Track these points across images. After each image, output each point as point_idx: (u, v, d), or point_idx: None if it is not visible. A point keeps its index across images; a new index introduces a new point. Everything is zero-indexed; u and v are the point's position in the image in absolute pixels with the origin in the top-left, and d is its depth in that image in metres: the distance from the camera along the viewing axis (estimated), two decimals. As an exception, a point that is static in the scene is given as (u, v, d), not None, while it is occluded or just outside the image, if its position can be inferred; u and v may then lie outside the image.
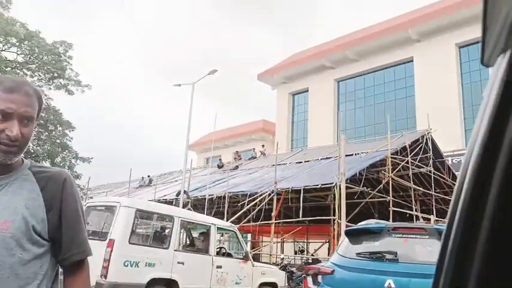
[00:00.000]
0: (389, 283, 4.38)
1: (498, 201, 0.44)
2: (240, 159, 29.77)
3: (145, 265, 7.41)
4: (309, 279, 5.06)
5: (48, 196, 1.47)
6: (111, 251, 7.06)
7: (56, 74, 20.51)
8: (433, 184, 18.16)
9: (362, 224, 5.65)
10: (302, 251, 24.40)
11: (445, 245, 0.51)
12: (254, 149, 31.66)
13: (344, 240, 5.36)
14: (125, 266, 7.15)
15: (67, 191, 1.52)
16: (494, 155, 0.45)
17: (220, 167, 27.58)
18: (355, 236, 5.30)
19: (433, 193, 18.14)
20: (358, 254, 4.95)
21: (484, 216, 0.45)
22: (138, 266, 7.30)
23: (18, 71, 19.94)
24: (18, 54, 19.88)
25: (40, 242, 1.44)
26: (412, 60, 30.67)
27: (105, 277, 6.93)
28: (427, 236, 4.74)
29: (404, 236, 4.96)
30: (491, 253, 0.45)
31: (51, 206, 1.47)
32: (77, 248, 1.52)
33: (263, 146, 30.94)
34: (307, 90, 37.00)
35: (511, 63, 0.45)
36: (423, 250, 4.83)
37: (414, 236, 4.90)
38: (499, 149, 0.45)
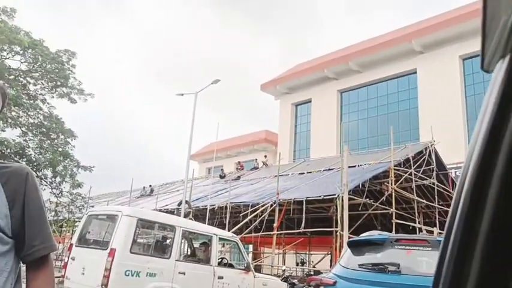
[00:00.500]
0: (391, 295, 4.35)
1: (497, 203, 0.44)
2: (242, 169, 29.77)
3: (147, 275, 7.37)
4: (311, 290, 5.03)
5: (11, 192, 1.43)
6: (112, 260, 7.04)
7: (59, 83, 20.61)
8: (436, 196, 18.11)
9: (365, 235, 5.62)
10: (303, 263, 24.27)
11: (443, 251, 0.51)
12: (256, 159, 31.70)
13: (346, 251, 5.33)
14: (125, 275, 7.11)
15: (29, 186, 1.48)
16: (493, 157, 0.46)
17: (222, 177, 27.59)
18: (357, 247, 5.27)
19: (436, 205, 18.07)
20: (360, 265, 4.92)
21: (483, 217, 0.45)
22: (139, 276, 7.26)
23: (21, 79, 20.04)
24: (21, 62, 20.00)
25: (4, 240, 1.41)
26: (415, 72, 30.73)
27: (106, 286, 6.90)
28: (430, 248, 4.70)
29: (407, 247, 4.93)
30: (491, 256, 0.45)
31: (13, 201, 1.43)
32: (41, 242, 1.48)
33: (265, 156, 30.96)
34: (310, 101, 37.08)
35: (510, 68, 0.46)
36: (426, 262, 4.79)
37: (417, 248, 4.87)
38: (498, 151, 0.46)
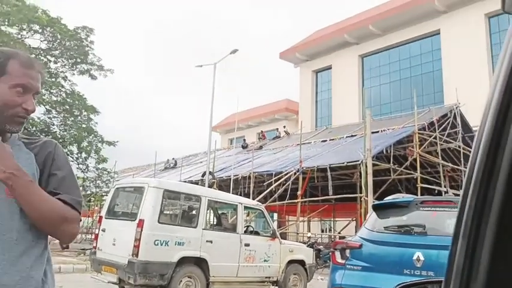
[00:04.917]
0: (418, 256, 4.35)
1: None
2: (264, 139, 29.80)
3: (175, 244, 7.53)
4: (337, 254, 5.06)
5: (41, 161, 1.52)
6: (141, 230, 7.20)
7: (78, 60, 20.72)
8: (462, 159, 17.82)
9: (389, 198, 5.59)
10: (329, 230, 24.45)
11: (461, 211, 0.50)
12: (277, 128, 31.68)
13: (371, 214, 5.32)
14: (155, 244, 7.29)
15: (58, 154, 1.57)
16: None
17: (244, 147, 27.67)
18: (382, 210, 5.25)
19: (463, 169, 17.81)
20: (386, 228, 4.92)
21: (501, 165, 0.43)
22: (168, 245, 7.43)
23: (42, 58, 20.22)
24: (41, 41, 20.11)
25: None
26: (439, 33, 29.80)
27: (137, 256, 7.09)
28: (456, 209, 4.65)
29: (432, 209, 4.90)
30: (507, 215, 0.43)
31: (43, 169, 1.51)
32: (70, 200, 1.50)
33: (284, 126, 30.86)
34: (331, 68, 36.49)
35: None
36: (452, 223, 4.75)
37: (443, 209, 4.83)
38: None
